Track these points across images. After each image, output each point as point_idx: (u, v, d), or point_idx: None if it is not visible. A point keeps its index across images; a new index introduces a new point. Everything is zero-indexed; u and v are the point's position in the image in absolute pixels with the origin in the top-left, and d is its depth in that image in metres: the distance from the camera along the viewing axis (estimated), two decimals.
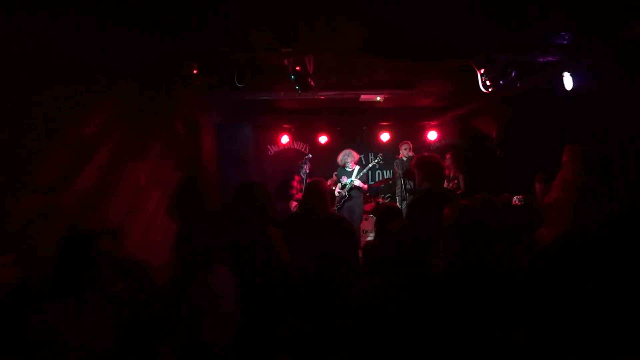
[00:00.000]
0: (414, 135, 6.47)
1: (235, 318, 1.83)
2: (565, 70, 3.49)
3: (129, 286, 1.84)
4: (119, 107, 2.66)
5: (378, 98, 4.87)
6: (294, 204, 5.53)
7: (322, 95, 4.38)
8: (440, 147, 6.36)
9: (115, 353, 1.54)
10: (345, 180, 5.01)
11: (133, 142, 2.81)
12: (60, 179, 2.07)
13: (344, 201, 4.95)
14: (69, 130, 2.16)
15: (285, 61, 3.10)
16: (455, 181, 4.81)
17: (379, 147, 6.55)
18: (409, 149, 5.34)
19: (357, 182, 4.87)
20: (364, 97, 4.80)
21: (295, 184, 5.67)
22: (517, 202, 3.31)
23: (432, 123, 6.51)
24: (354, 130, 6.58)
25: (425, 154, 2.69)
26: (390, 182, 6.11)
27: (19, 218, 1.79)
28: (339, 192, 5.03)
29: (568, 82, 3.50)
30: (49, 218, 1.95)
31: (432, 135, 6.46)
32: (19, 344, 1.32)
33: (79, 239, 1.64)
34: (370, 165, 5.23)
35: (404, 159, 5.28)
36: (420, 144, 6.38)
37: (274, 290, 2.07)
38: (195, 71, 3.10)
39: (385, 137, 6.49)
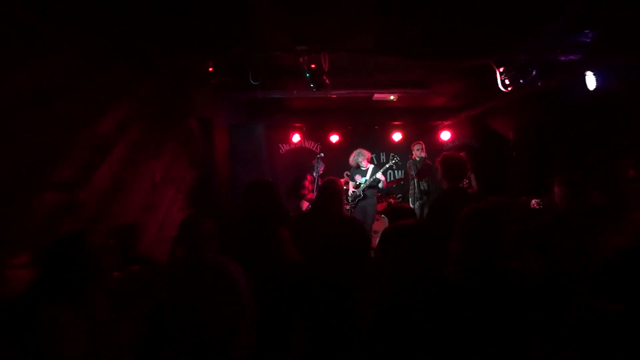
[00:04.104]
0: (427, 135, 6.38)
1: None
2: (588, 70, 3.38)
3: (139, 283, 1.84)
4: (136, 107, 2.69)
5: (391, 97, 4.82)
6: (305, 204, 5.52)
7: (336, 93, 4.35)
8: (453, 148, 6.25)
9: (125, 350, 1.53)
10: (360, 179, 4.96)
11: (149, 140, 2.84)
12: (79, 176, 2.10)
13: (358, 200, 4.90)
14: (87, 129, 2.20)
15: (300, 59, 3.08)
16: (466, 180, 4.74)
17: (391, 147, 6.48)
18: (422, 149, 5.26)
19: (379, 175, 4.82)
20: (377, 96, 4.76)
21: (307, 183, 5.64)
22: (535, 205, 3.22)
23: (446, 123, 6.41)
24: (366, 130, 6.53)
25: (451, 152, 2.64)
26: (402, 182, 6.04)
27: (39, 213, 1.82)
28: (353, 191, 4.98)
29: (591, 81, 3.39)
30: (67, 213, 1.98)
31: (446, 136, 6.36)
32: (22, 343, 1.32)
33: (72, 237, 1.62)
34: (387, 165, 5.18)
35: (417, 159, 5.22)
36: (433, 144, 6.28)
37: (283, 290, 2.06)
38: (210, 69, 3.10)
39: (397, 136, 6.42)
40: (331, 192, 2.41)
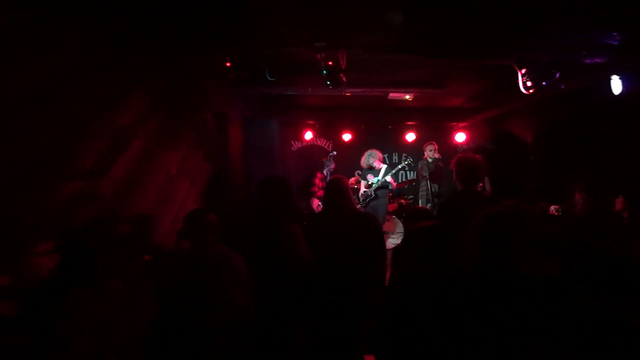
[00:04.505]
0: (442, 136, 6.29)
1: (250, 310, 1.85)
2: (613, 73, 3.28)
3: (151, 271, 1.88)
4: (153, 99, 2.72)
5: (407, 96, 4.76)
6: (315, 201, 5.52)
7: (350, 91, 4.32)
8: (468, 150, 6.15)
9: (137, 336, 1.57)
10: (372, 178, 4.92)
11: (165, 133, 2.87)
12: (98, 167, 2.14)
13: (370, 200, 4.87)
14: (106, 121, 2.23)
15: (318, 56, 3.06)
16: (481, 184, 4.65)
17: (405, 148, 6.42)
18: (434, 150, 5.19)
19: (388, 178, 4.77)
20: (392, 95, 4.70)
21: (317, 181, 5.63)
22: (554, 211, 3.14)
23: (461, 124, 6.31)
24: (379, 129, 6.47)
25: (466, 154, 2.58)
26: (414, 183, 5.98)
27: (59, 203, 1.86)
28: (364, 191, 4.95)
29: (616, 85, 3.28)
30: (87, 203, 2.01)
31: (460, 137, 6.26)
32: (41, 325, 1.36)
33: (94, 224, 1.68)
34: (400, 166, 5.12)
35: (429, 160, 5.15)
36: (447, 146, 6.20)
37: (291, 288, 2.06)
38: (228, 64, 3.11)
39: (410, 137, 6.35)
40: (338, 189, 2.38)
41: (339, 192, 2.36)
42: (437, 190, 4.90)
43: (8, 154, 1.61)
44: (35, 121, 1.74)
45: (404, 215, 5.34)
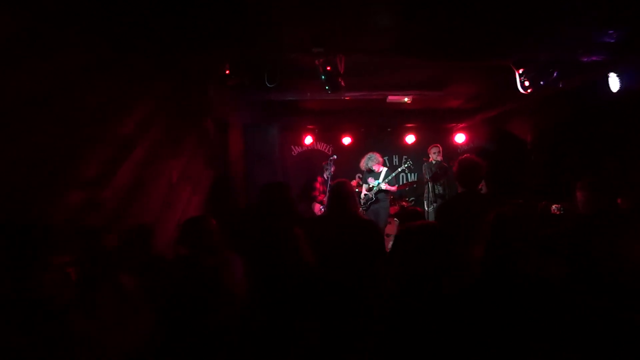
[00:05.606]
0: (441, 137, 6.31)
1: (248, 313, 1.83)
2: (611, 71, 3.29)
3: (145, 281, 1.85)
4: (156, 106, 2.73)
5: (406, 99, 4.78)
6: (317, 205, 5.50)
7: (350, 95, 4.34)
8: (468, 151, 6.16)
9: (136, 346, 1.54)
10: (372, 182, 4.92)
11: (167, 140, 2.88)
12: (101, 175, 2.13)
13: (370, 203, 4.86)
14: (109, 125, 2.23)
15: (316, 61, 3.07)
16: (481, 184, 4.64)
17: (404, 150, 6.44)
18: (439, 152, 5.21)
19: (384, 186, 4.77)
20: (391, 98, 4.73)
21: (318, 185, 5.63)
22: (556, 210, 3.13)
23: (460, 125, 6.33)
24: (379, 132, 6.49)
25: (467, 156, 2.59)
26: (415, 185, 5.98)
27: (64, 212, 1.85)
28: (365, 194, 4.94)
29: (614, 83, 3.30)
30: (91, 212, 2.00)
31: (460, 138, 6.27)
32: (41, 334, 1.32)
33: (83, 236, 1.65)
34: (400, 169, 5.13)
35: (433, 162, 5.16)
36: (447, 147, 6.21)
37: (294, 289, 2.05)
38: (227, 71, 3.13)
39: (410, 139, 6.37)
40: (343, 193, 2.38)
41: (344, 195, 2.37)
42: (440, 192, 4.90)
43: (8, 154, 1.60)
44: (35, 121, 1.74)
45: (399, 219, 5.33)
